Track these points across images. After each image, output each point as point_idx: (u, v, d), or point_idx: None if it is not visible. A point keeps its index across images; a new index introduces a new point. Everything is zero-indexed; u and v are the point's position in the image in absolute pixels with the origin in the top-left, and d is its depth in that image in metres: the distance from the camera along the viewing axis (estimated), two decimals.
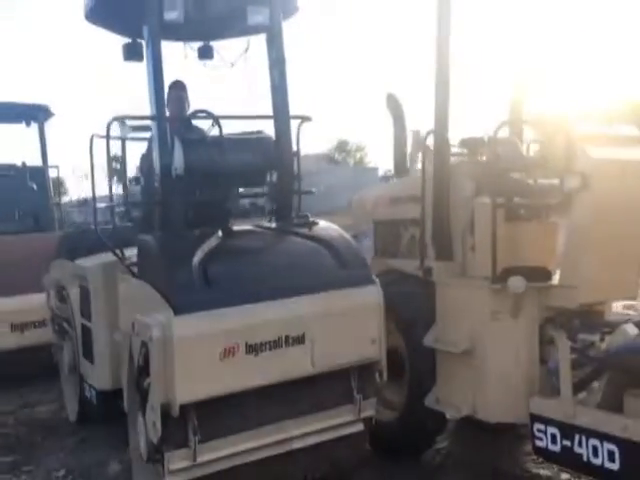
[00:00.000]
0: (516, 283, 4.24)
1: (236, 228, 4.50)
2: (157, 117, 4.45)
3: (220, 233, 4.29)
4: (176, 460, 3.71)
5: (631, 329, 4.18)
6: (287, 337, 3.90)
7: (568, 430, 4.04)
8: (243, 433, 3.89)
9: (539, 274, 4.37)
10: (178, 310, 3.64)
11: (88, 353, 5.50)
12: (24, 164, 9.31)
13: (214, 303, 3.73)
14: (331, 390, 4.19)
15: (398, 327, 5.11)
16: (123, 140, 4.55)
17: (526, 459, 5.09)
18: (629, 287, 4.56)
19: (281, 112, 4.83)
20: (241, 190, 5.16)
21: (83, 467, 5.45)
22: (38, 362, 7.12)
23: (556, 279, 4.40)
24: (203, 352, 3.65)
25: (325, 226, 4.70)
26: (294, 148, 4.80)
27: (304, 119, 4.75)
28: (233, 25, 5.12)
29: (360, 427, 4.28)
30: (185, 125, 5.40)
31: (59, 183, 9.91)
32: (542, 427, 4.20)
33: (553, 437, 4.14)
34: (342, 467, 4.39)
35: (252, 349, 3.79)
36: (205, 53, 5.54)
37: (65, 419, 6.49)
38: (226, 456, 3.83)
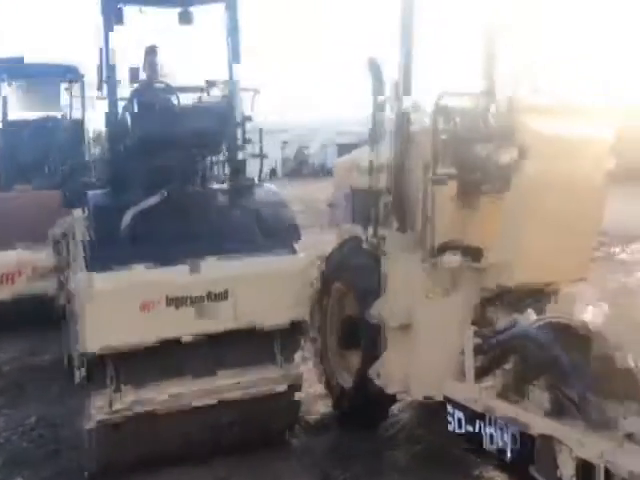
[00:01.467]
0: (450, 258, 4.18)
1: (179, 190, 4.61)
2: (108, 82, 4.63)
3: (161, 194, 4.42)
4: (99, 399, 4.04)
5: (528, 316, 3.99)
6: (209, 293, 4.06)
7: (470, 415, 3.97)
8: (164, 382, 4.12)
9: (476, 252, 4.25)
10: (92, 267, 3.87)
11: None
12: (63, 116, 9.73)
13: (134, 259, 3.91)
14: (254, 349, 4.37)
15: (355, 297, 5.11)
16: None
17: None
18: (577, 269, 4.40)
19: (230, 81, 4.95)
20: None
21: (55, 416, 5.71)
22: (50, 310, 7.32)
23: (494, 257, 4.23)
24: (118, 305, 3.85)
25: (266, 192, 4.81)
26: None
27: (254, 90, 4.85)
28: None
29: (284, 387, 4.43)
30: (153, 92, 5.52)
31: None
32: (451, 410, 4.13)
33: (459, 421, 4.09)
34: (269, 427, 4.56)
35: (172, 302, 3.96)
36: (185, 18, 5.61)
37: (63, 367, 6.79)
38: (144, 402, 4.06)
